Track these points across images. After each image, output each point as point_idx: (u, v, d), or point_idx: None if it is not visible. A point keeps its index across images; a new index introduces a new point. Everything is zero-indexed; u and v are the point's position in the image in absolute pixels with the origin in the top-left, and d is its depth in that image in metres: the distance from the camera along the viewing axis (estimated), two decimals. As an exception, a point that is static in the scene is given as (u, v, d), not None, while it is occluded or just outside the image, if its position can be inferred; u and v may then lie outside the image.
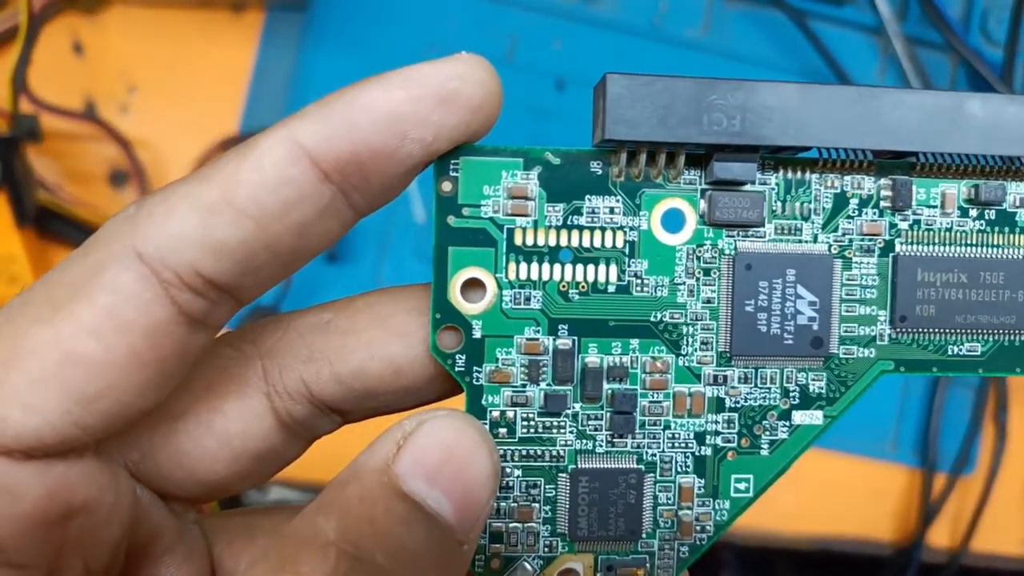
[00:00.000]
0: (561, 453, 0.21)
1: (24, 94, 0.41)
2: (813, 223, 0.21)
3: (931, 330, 0.21)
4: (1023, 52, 0.45)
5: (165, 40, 0.45)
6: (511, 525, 0.21)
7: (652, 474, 0.21)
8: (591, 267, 0.20)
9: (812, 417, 0.21)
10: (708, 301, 0.21)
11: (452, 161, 0.20)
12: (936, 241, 0.21)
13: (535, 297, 0.20)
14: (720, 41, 0.48)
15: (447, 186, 0.20)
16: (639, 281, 0.20)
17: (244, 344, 0.22)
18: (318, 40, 0.45)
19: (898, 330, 0.21)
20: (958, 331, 0.21)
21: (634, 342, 0.21)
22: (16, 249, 0.41)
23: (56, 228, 0.43)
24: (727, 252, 0.21)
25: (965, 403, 0.49)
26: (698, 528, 0.21)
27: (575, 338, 0.20)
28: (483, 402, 0.20)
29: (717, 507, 0.21)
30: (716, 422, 0.21)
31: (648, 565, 0.21)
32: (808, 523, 0.48)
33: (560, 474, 0.21)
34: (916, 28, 0.49)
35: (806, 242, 0.21)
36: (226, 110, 0.45)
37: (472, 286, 0.20)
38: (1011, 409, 0.49)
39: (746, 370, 0.21)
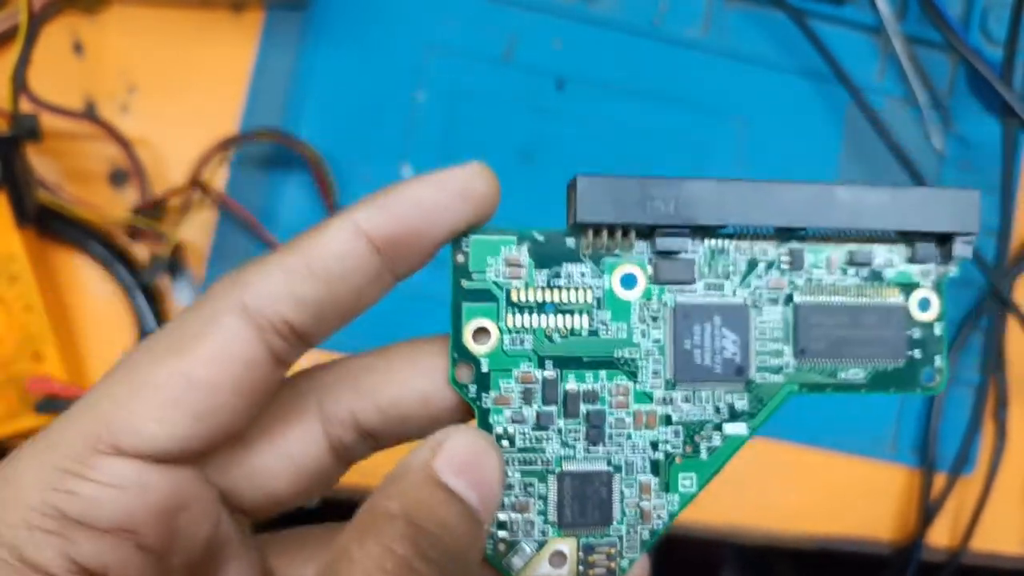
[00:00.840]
0: (550, 459, 0.27)
1: (24, 94, 0.40)
2: (732, 281, 0.28)
3: (824, 359, 0.28)
4: (1023, 51, 0.45)
5: (165, 40, 0.44)
6: (512, 515, 0.27)
7: (619, 474, 0.27)
8: (569, 317, 0.27)
9: (738, 428, 0.28)
10: (656, 341, 0.27)
11: (464, 239, 0.26)
12: (825, 292, 0.28)
13: (528, 340, 0.27)
14: (720, 41, 0.48)
15: (460, 258, 0.27)
16: (605, 327, 0.27)
17: (302, 384, 0.26)
18: (318, 40, 0.45)
19: (799, 360, 0.28)
20: (845, 360, 0.28)
21: (602, 373, 0.27)
22: (16, 249, 0.40)
23: (56, 228, 0.43)
24: (669, 304, 0.27)
25: (965, 403, 0.49)
26: (655, 516, 0.27)
27: (558, 370, 0.27)
28: (490, 420, 0.26)
29: (669, 500, 0.27)
30: (666, 433, 0.27)
31: (618, 546, 0.27)
32: (808, 523, 0.48)
33: (549, 475, 0.27)
34: (916, 27, 0.48)
35: (728, 295, 0.28)
36: (226, 109, 0.45)
37: (480, 333, 0.26)
38: (1011, 408, 0.49)
39: (687, 392, 0.28)
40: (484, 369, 0.25)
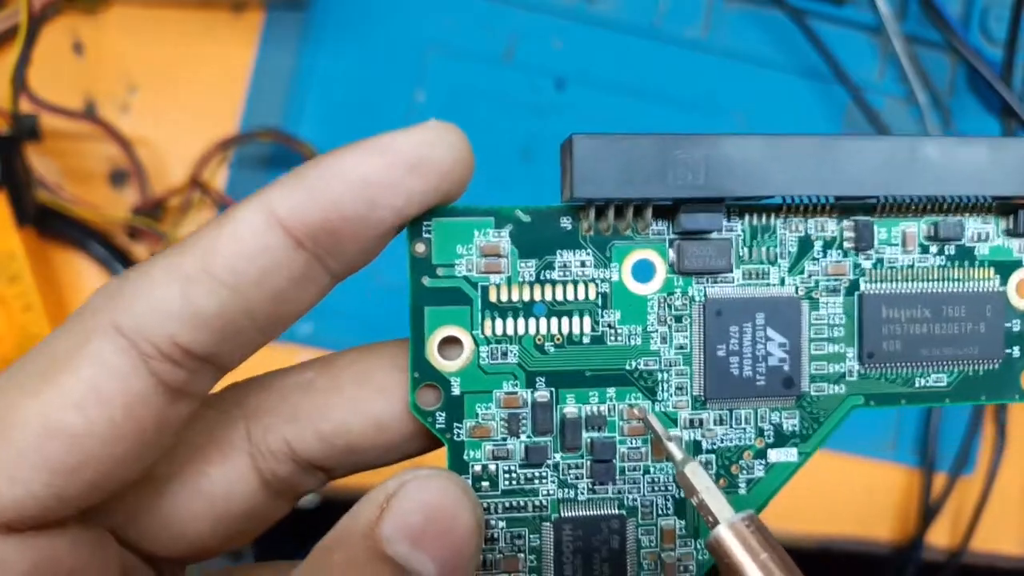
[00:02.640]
0: (544, 503, 0.21)
1: (24, 94, 0.41)
2: (780, 267, 0.21)
3: (898, 364, 0.22)
4: (1023, 51, 0.45)
5: (165, 40, 0.45)
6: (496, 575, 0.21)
7: (634, 518, 0.21)
8: (565, 320, 0.21)
9: (787, 455, 0.22)
10: (681, 347, 0.21)
11: (424, 223, 0.20)
12: (899, 278, 0.22)
13: (512, 352, 0.21)
14: (720, 41, 0.48)
15: (420, 248, 0.20)
16: (613, 331, 0.21)
17: (227, 406, 0.22)
18: (318, 39, 0.45)
19: (866, 366, 0.22)
20: (924, 364, 0.22)
21: (611, 391, 0.21)
22: (16, 248, 0.40)
23: (56, 228, 0.43)
24: (697, 299, 0.21)
25: None
26: (681, 568, 0.22)
27: (553, 390, 0.21)
28: (465, 457, 0.21)
29: (699, 547, 0.22)
30: (694, 464, 0.21)
31: (634, 607, 0.22)
32: (808, 523, 0.48)
33: (544, 523, 0.21)
34: (916, 27, 0.48)
35: (774, 285, 0.21)
36: (226, 109, 0.45)
37: (449, 344, 0.21)
38: (1011, 409, 0.49)
39: (721, 412, 0.21)
40: (455, 391, 0.20)
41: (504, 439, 0.21)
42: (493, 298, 0.21)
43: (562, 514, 0.21)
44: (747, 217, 0.21)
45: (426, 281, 0.20)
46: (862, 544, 0.49)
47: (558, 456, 0.21)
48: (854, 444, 0.48)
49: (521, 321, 0.21)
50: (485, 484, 0.21)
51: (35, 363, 0.18)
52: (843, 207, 0.21)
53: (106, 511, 0.20)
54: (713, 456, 0.21)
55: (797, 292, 0.21)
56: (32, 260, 0.41)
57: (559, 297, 0.21)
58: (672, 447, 0.20)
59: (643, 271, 0.21)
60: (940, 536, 0.49)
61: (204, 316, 0.18)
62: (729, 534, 0.19)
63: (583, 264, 0.21)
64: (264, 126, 0.45)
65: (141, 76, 0.45)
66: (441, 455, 0.21)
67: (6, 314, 0.41)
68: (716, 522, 0.19)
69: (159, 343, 0.18)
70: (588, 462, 0.21)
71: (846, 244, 0.22)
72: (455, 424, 0.21)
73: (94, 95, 0.45)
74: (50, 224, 0.43)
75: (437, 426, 0.20)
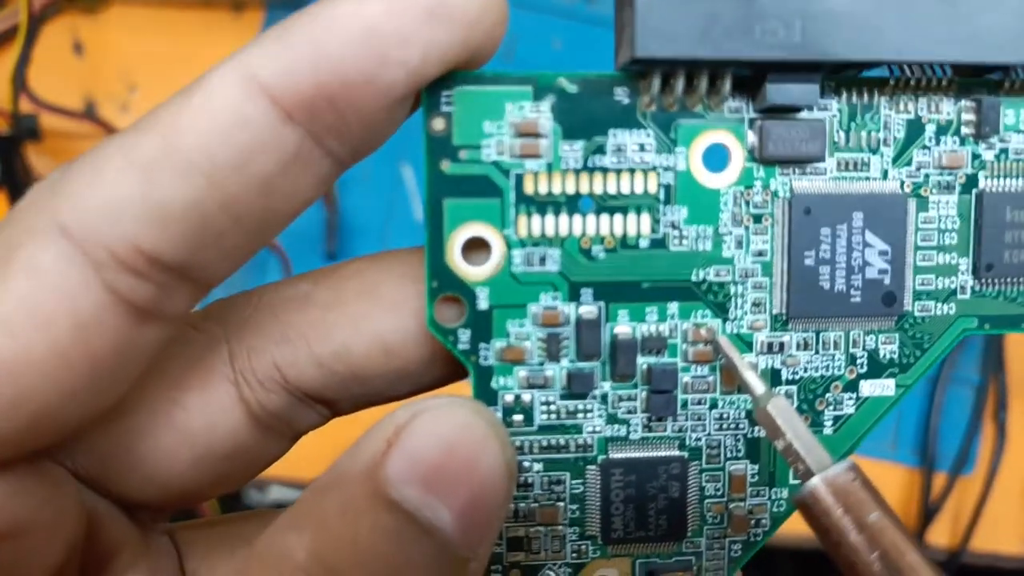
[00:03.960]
0: (589, 442, 0.17)
1: (24, 93, 0.42)
2: (883, 156, 0.17)
3: (1021, 280, 0.18)
4: None
5: (165, 39, 0.46)
6: (532, 529, 0.17)
7: (697, 462, 0.18)
8: (618, 218, 0.17)
9: (883, 387, 0.18)
10: (760, 254, 0.17)
11: (445, 92, 0.16)
12: (1027, 173, 0.18)
13: (552, 257, 0.17)
14: None
15: (439, 124, 0.16)
16: (677, 233, 0.17)
17: (208, 324, 0.18)
18: None
19: (983, 281, 0.18)
20: (1052, 279, 0.18)
21: (672, 307, 0.17)
22: None
23: None
24: (781, 194, 0.17)
25: (965, 402, 0.49)
26: (752, 522, 0.18)
27: (601, 304, 0.17)
28: (493, 385, 0.17)
29: (774, 497, 0.18)
30: (770, 398, 0.18)
31: (695, 567, 0.18)
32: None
33: (589, 467, 0.17)
34: None
35: (875, 179, 0.17)
36: None
37: (475, 247, 0.17)
38: (1011, 408, 0.49)
39: (806, 335, 0.18)
40: (482, 305, 0.17)
41: (541, 364, 0.17)
42: (529, 189, 0.17)
43: (610, 455, 0.17)
44: (844, 94, 0.17)
45: (446, 166, 0.16)
46: (862, 544, 0.50)
47: (607, 385, 0.17)
48: (854, 443, 0.49)
49: (564, 218, 0.17)
50: (518, 418, 0.17)
51: None
52: (963, 83, 0.17)
53: (68, 452, 0.17)
54: (795, 388, 0.18)
55: (903, 188, 0.17)
56: (32, 260, 0.42)
57: (611, 189, 0.17)
58: (751, 377, 0.17)
59: (716, 158, 0.17)
60: (940, 535, 0.49)
61: (171, 212, 0.14)
62: (828, 489, 0.15)
63: (642, 148, 0.17)
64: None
65: (141, 76, 0.45)
66: (465, 386, 0.17)
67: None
68: (809, 472, 0.15)
69: (114, 247, 0.14)
70: (643, 393, 0.17)
71: (964, 129, 0.18)
72: (481, 345, 0.17)
73: (94, 95, 0.45)
74: (50, 224, 0.44)
75: (459, 347, 0.17)
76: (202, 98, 0.15)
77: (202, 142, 0.14)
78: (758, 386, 0.16)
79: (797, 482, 0.18)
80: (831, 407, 0.18)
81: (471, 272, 0.17)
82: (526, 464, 0.17)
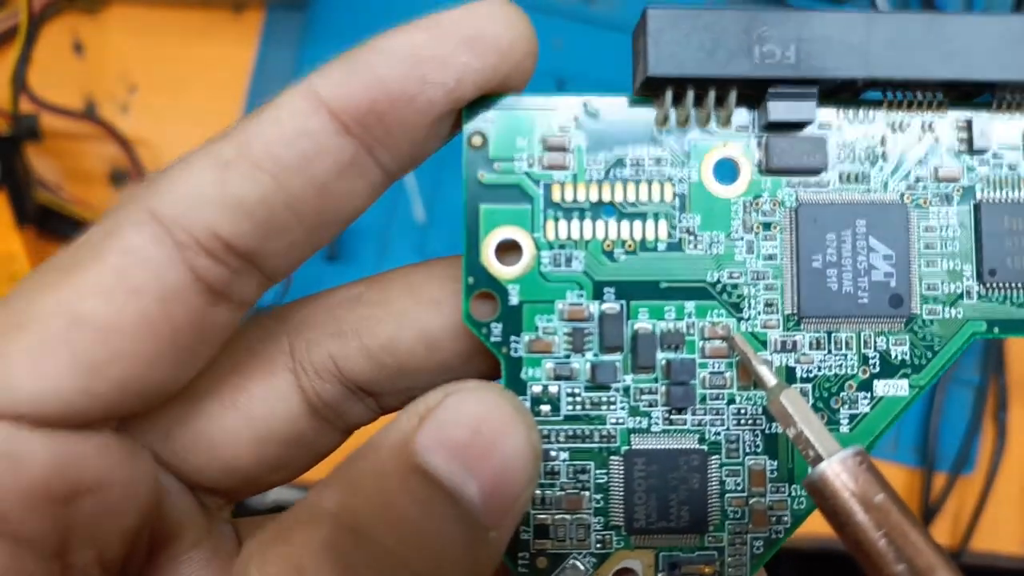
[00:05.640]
0: (612, 432, 0.18)
1: (24, 94, 0.41)
2: (882, 168, 0.19)
3: (1025, 285, 0.19)
4: None
5: (165, 39, 0.45)
6: (558, 517, 0.18)
7: (717, 455, 0.19)
8: (638, 223, 0.18)
9: (897, 387, 0.19)
10: (770, 257, 0.19)
11: (482, 111, 0.18)
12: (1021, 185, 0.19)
13: (577, 258, 0.18)
14: None
15: (477, 139, 0.18)
16: (692, 237, 0.19)
17: (270, 321, 0.20)
18: (317, 39, 0.46)
19: (988, 286, 0.19)
20: (1056, 287, 0.19)
21: (689, 305, 0.18)
22: (16, 248, 0.41)
23: (56, 227, 0.43)
24: (788, 203, 0.19)
25: (965, 403, 0.49)
26: (773, 519, 0.19)
27: (623, 302, 0.18)
28: (522, 376, 0.18)
29: (794, 493, 0.19)
30: (787, 395, 0.18)
31: (718, 562, 0.18)
32: (808, 523, 0.47)
33: (612, 457, 0.18)
34: None
35: (876, 190, 0.19)
36: (226, 109, 0.45)
37: (507, 248, 0.18)
38: (1011, 409, 0.49)
39: (817, 335, 0.19)
40: (513, 301, 0.18)
41: (567, 356, 0.18)
42: (557, 197, 0.18)
43: (633, 446, 0.18)
44: (843, 112, 0.19)
45: (482, 177, 0.18)
46: (862, 544, 0.49)
47: (629, 378, 0.18)
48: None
49: (588, 224, 0.18)
50: (545, 408, 0.18)
51: (63, 258, 0.17)
52: (955, 98, 0.19)
53: (145, 427, 0.19)
54: (810, 387, 0.19)
55: (902, 199, 0.19)
56: (32, 260, 0.41)
57: (631, 198, 0.18)
58: (764, 371, 0.18)
59: (726, 171, 0.19)
60: (940, 536, 0.49)
61: (243, 204, 0.17)
62: (835, 472, 0.16)
63: (658, 162, 0.18)
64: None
65: (141, 76, 0.45)
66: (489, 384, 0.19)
67: (6, 314, 0.41)
68: (819, 457, 0.16)
69: (196, 232, 0.16)
70: (664, 386, 0.18)
71: (959, 143, 0.19)
72: (512, 338, 0.18)
73: (94, 95, 0.45)
74: (50, 224, 0.43)
75: (492, 339, 0.18)
76: (273, 111, 0.17)
77: (269, 148, 0.17)
78: (770, 379, 0.17)
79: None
80: (846, 405, 0.19)
81: (504, 271, 0.18)
82: (552, 453, 0.18)
